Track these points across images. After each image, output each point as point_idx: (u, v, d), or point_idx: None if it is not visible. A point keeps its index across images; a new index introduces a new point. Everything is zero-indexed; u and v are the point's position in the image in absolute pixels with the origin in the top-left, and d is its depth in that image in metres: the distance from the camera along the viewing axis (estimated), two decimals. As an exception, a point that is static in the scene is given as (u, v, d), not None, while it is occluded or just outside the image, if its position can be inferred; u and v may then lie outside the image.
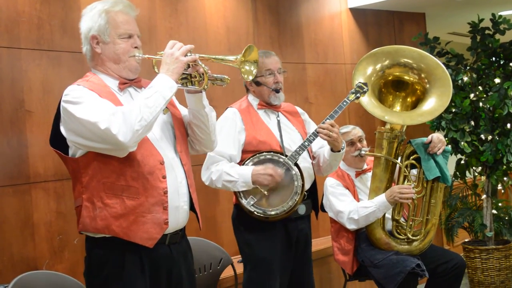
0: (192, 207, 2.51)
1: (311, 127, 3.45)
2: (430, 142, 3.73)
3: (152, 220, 2.33)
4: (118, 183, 2.30)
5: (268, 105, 3.33)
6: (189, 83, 2.43)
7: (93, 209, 2.31)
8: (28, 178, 3.60)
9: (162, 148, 2.41)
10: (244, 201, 3.12)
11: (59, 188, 3.71)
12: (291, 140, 3.29)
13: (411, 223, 3.78)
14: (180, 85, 2.38)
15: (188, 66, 2.39)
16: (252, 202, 3.12)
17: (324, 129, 3.15)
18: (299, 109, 3.52)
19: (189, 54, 2.36)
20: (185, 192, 2.44)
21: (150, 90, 2.28)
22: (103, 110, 2.22)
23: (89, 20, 2.41)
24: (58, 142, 2.36)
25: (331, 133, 3.14)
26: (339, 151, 3.26)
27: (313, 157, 3.40)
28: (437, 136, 3.74)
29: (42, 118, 3.62)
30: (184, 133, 2.57)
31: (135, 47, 2.43)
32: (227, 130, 3.21)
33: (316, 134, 3.19)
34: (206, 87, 2.40)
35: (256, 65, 2.47)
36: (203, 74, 2.39)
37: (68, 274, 3.29)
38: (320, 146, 3.41)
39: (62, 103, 2.29)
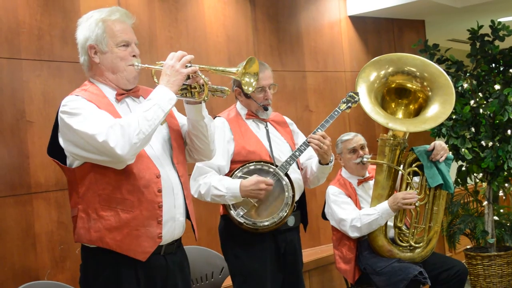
0: (188, 218, 2.48)
1: (299, 137, 3.39)
2: (433, 149, 3.73)
3: (146, 234, 2.31)
4: (113, 195, 2.28)
5: (256, 115, 3.27)
6: (189, 94, 2.40)
7: (87, 220, 2.30)
8: (29, 188, 3.60)
9: (158, 160, 2.39)
10: (233, 213, 3.06)
11: (60, 198, 3.70)
12: (280, 150, 3.23)
13: (413, 230, 3.78)
14: (179, 96, 2.36)
15: (188, 77, 2.36)
16: (241, 213, 3.05)
17: (315, 139, 3.10)
18: (288, 119, 3.46)
19: (189, 65, 2.33)
20: (181, 204, 2.42)
21: (149, 102, 2.25)
22: (101, 122, 2.20)
23: (86, 30, 2.39)
24: (56, 151, 2.35)
25: (322, 144, 3.10)
26: (327, 163, 3.21)
27: (300, 169, 3.34)
28: (440, 144, 3.74)
29: (43, 128, 3.62)
30: (181, 143, 2.54)
31: (133, 56, 2.41)
32: (216, 140, 3.15)
33: (307, 144, 3.14)
34: (206, 98, 2.37)
35: (256, 78, 2.44)
36: (203, 85, 2.37)
37: (70, 284, 3.28)
38: (308, 158, 3.36)
39: (60, 114, 2.27)
